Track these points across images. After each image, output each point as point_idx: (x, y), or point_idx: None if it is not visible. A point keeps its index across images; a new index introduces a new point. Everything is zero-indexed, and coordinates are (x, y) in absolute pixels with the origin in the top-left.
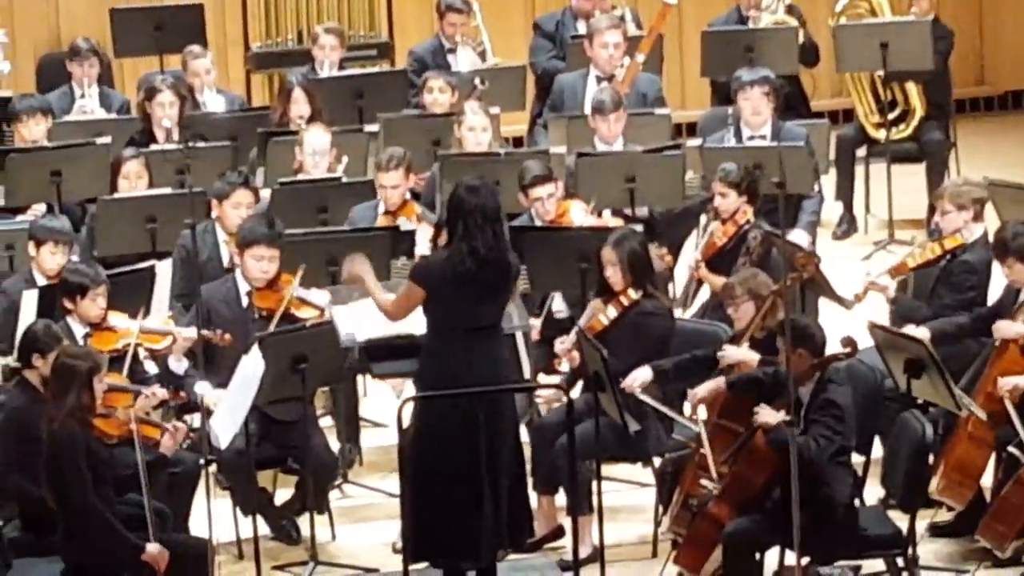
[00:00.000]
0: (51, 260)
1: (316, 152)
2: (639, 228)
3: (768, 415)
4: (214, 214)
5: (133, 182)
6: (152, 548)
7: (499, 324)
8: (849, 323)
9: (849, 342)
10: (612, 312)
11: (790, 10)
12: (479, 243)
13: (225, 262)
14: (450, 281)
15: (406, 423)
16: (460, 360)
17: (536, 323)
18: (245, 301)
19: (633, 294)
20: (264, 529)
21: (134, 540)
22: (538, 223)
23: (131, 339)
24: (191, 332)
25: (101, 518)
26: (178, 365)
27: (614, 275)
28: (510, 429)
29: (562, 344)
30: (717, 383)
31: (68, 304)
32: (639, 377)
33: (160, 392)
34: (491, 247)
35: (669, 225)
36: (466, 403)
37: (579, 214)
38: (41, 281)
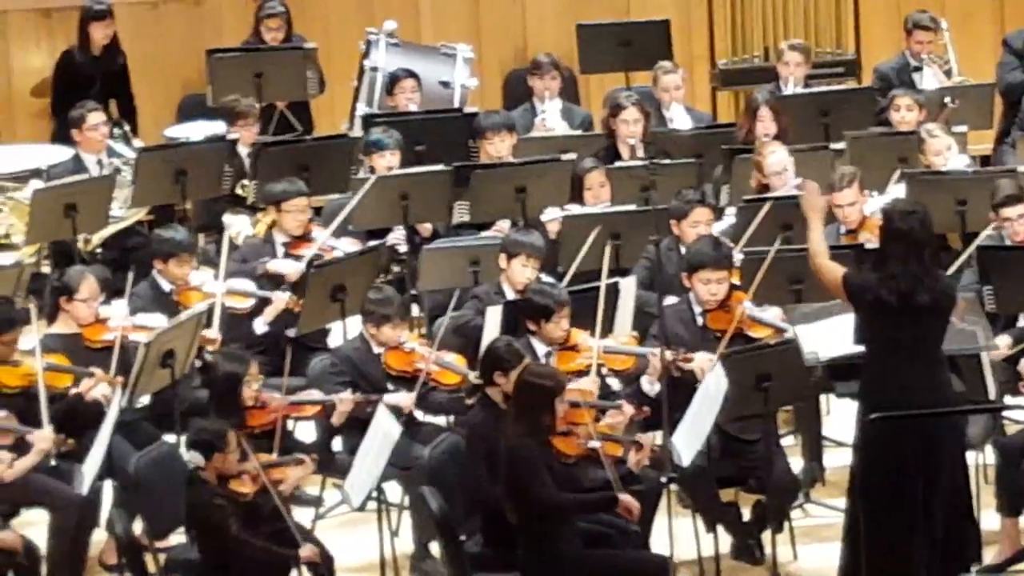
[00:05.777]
0: (521, 273)
1: (778, 171)
2: None
3: None
4: (675, 232)
5: (596, 192)
6: (624, 497)
7: (934, 349)
8: None
9: None
10: None
11: None
12: (898, 271)
13: None
14: (871, 303)
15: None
16: (889, 384)
17: None
18: (700, 320)
19: None
20: (725, 548)
21: (601, 497)
22: (1008, 243)
23: (593, 359)
24: (648, 351)
25: (568, 507)
26: (651, 388)
27: None
28: (950, 452)
29: None
30: None
31: (531, 326)
32: None
33: (627, 409)
34: (913, 277)
35: None
36: (900, 428)
37: None
38: (510, 295)
